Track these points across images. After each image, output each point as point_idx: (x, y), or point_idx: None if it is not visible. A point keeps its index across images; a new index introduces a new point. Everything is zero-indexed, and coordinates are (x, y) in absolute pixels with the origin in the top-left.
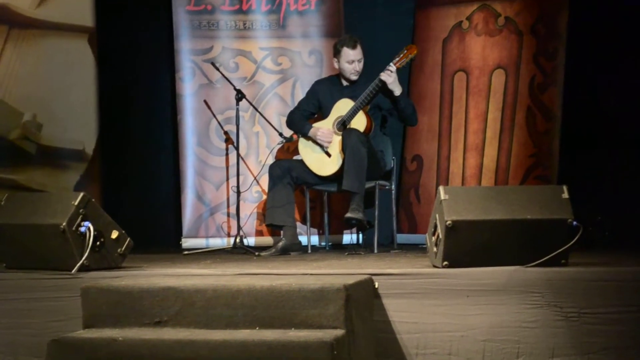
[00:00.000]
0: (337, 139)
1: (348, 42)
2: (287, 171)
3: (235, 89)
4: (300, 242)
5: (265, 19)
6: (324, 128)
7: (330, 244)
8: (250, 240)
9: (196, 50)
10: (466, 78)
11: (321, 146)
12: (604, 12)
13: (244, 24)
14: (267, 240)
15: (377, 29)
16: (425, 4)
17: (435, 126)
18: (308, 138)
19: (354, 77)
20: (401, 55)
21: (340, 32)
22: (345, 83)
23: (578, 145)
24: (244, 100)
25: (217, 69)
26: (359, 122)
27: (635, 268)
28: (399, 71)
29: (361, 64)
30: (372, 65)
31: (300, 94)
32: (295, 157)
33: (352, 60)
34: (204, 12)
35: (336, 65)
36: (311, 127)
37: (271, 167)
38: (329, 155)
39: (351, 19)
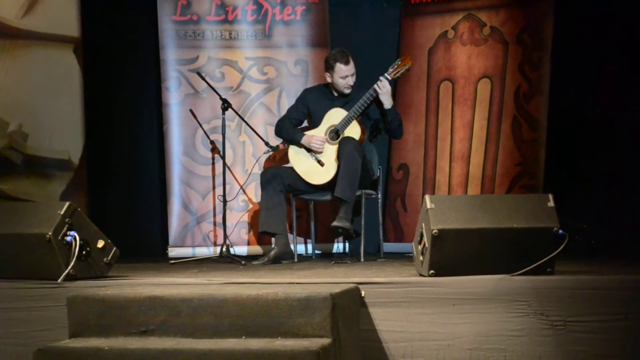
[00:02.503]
0: (330, 148)
1: (341, 57)
2: (278, 178)
3: (221, 98)
4: (291, 251)
5: (251, 28)
6: (317, 136)
7: (317, 252)
8: (237, 249)
9: (182, 60)
10: (452, 87)
11: (314, 154)
12: (589, 21)
13: (230, 34)
14: (254, 249)
15: (363, 38)
16: (411, 14)
17: (422, 135)
18: (300, 146)
19: (347, 91)
20: (395, 66)
21: (326, 42)
22: (336, 93)
23: (564, 154)
24: (230, 109)
25: (203, 79)
26: (353, 132)
27: (620, 276)
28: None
29: (354, 78)
30: (359, 74)
31: (286, 104)
32: (284, 166)
33: (345, 76)
34: (190, 22)
35: (329, 79)
36: (303, 134)
37: (262, 174)
38: (321, 164)
39: (337, 28)
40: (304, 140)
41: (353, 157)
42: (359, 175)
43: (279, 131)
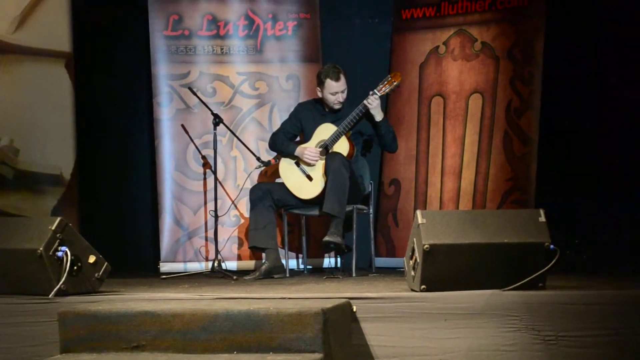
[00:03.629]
0: (319, 163)
1: (332, 73)
2: (267, 193)
3: (212, 113)
4: (283, 265)
5: (242, 44)
6: (311, 147)
7: (309, 267)
8: (228, 264)
9: (173, 75)
10: (443, 102)
11: (303, 169)
12: (580, 37)
13: (222, 49)
14: (246, 264)
15: (355, 53)
16: (402, 29)
17: (413, 150)
18: (294, 157)
19: (337, 107)
20: (385, 82)
21: (317, 57)
22: (327, 109)
23: (555, 169)
24: (221, 124)
25: (195, 94)
26: (342, 147)
27: (612, 291)
28: (380, 97)
29: (344, 94)
30: (350, 90)
31: (278, 119)
32: (275, 181)
33: (335, 92)
34: (182, 37)
35: (319, 95)
36: (297, 146)
37: (251, 190)
38: (310, 178)
39: (328, 44)
40: (297, 152)
41: (340, 172)
42: (347, 190)
43: (273, 144)
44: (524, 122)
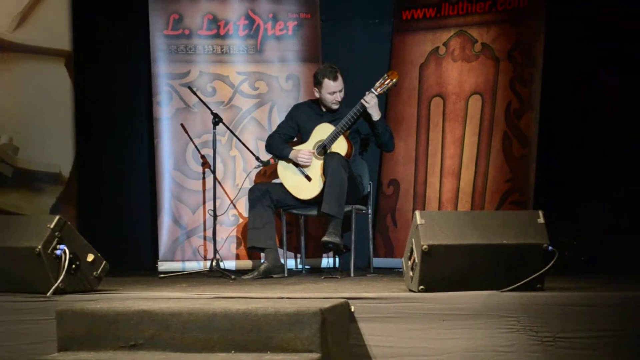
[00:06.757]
0: (318, 163)
1: (329, 73)
2: (266, 194)
3: (212, 113)
4: (282, 265)
5: (242, 43)
6: (304, 149)
7: (307, 267)
8: (227, 264)
9: (173, 74)
10: (443, 103)
11: (302, 169)
12: (580, 39)
13: (222, 49)
14: (244, 263)
15: (355, 54)
16: (403, 30)
17: (412, 151)
18: (289, 161)
19: (335, 107)
20: (382, 81)
21: (317, 57)
22: (325, 109)
23: (554, 170)
24: (220, 124)
25: (194, 93)
26: (340, 147)
27: (610, 293)
28: (377, 96)
29: (342, 94)
30: (349, 90)
31: (277, 119)
32: (274, 181)
33: (333, 92)
34: (182, 37)
35: (317, 95)
36: (291, 149)
37: (250, 190)
38: (309, 179)
39: (328, 44)
40: (291, 155)
41: (339, 172)
42: (346, 190)
43: (269, 147)
44: (524, 123)
